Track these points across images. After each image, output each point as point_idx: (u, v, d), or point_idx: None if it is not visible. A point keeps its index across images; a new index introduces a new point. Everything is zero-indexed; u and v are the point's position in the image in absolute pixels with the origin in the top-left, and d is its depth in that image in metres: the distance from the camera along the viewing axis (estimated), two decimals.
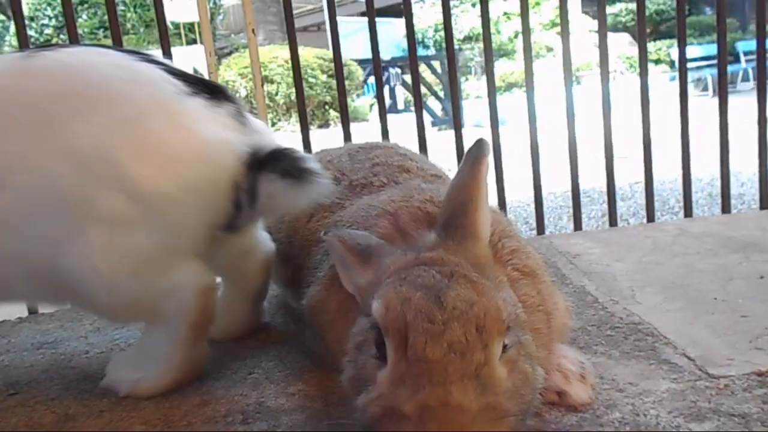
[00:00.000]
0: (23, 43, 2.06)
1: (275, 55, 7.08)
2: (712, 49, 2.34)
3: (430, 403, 0.78)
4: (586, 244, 1.93)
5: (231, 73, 7.20)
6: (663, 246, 1.82)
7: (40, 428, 1.17)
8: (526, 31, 2.34)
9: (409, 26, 2.32)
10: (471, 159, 0.99)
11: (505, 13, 14.85)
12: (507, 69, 14.07)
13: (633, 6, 3.74)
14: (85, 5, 13.26)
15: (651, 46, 14.68)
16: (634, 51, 10.69)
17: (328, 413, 1.10)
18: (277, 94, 7.08)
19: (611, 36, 6.13)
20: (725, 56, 2.36)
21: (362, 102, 9.46)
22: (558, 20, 2.44)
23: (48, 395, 1.31)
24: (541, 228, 2.36)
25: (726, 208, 2.34)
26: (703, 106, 5.50)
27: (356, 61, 8.16)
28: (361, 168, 1.46)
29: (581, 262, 1.76)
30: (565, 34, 2.34)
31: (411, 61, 2.40)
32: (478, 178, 0.98)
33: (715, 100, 2.37)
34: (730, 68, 2.44)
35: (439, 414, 0.78)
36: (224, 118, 1.19)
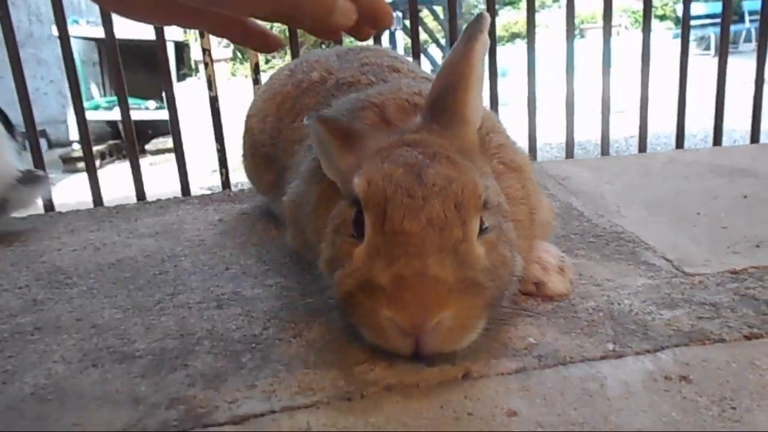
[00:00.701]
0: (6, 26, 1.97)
1: None
2: (718, 7, 2.26)
3: (406, 273, 0.76)
4: (576, 169, 1.91)
5: None
6: (653, 172, 1.80)
7: (7, 311, 1.15)
8: None
9: None
10: (466, 35, 0.92)
11: None
12: (511, 18, 13.73)
13: None
14: None
15: (657, 1, 14.33)
16: (639, 5, 10.39)
17: (304, 301, 1.09)
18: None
19: None
20: (730, 15, 2.28)
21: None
22: None
23: (16, 284, 1.30)
24: None
25: None
26: (705, 65, 5.39)
27: None
28: (350, 67, 1.41)
29: (570, 184, 1.73)
30: None
31: (410, 4, 2.22)
32: (471, 55, 0.91)
33: (717, 60, 2.30)
34: (733, 28, 2.38)
35: (414, 284, 0.75)
36: None
